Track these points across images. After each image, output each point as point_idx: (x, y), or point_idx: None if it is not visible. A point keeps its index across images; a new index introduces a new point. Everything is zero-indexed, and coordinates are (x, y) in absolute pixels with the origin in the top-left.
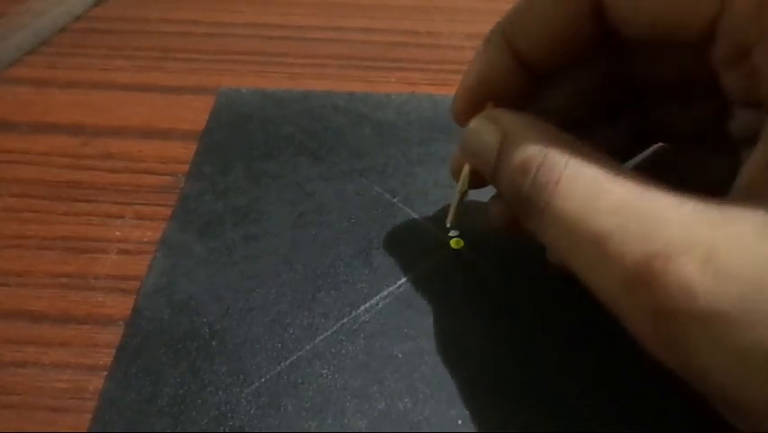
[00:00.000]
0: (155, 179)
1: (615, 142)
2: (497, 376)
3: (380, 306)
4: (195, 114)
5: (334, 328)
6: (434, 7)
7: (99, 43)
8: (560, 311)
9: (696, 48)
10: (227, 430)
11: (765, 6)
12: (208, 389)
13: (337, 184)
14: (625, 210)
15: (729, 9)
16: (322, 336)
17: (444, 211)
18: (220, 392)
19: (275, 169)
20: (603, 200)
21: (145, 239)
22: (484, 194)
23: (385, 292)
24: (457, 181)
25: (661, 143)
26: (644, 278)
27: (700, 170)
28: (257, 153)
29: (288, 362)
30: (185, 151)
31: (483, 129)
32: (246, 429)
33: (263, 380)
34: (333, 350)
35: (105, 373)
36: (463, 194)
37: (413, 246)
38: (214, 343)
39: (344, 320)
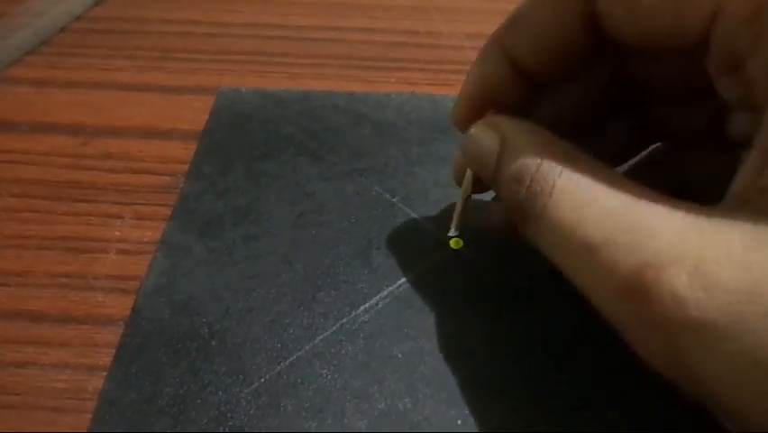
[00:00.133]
0: (155, 179)
1: (614, 144)
2: (497, 376)
3: (380, 306)
4: (195, 114)
5: (334, 328)
6: (434, 7)
7: (99, 43)
8: (560, 311)
9: (691, 54)
10: (227, 430)
11: (758, 16)
12: (208, 389)
13: (337, 184)
14: (617, 220)
15: (722, 18)
16: (321, 336)
17: (445, 212)
18: (220, 392)
19: (275, 169)
20: (596, 209)
21: (145, 239)
22: (485, 194)
23: (385, 292)
24: (460, 186)
25: (661, 143)
26: (637, 287)
27: (701, 169)
28: (257, 153)
29: (287, 362)
30: (185, 151)
31: (483, 135)
32: (246, 429)
33: (263, 380)
34: (332, 350)
35: (105, 373)
36: (467, 199)
37: (413, 246)
38: (214, 343)
39: (344, 320)
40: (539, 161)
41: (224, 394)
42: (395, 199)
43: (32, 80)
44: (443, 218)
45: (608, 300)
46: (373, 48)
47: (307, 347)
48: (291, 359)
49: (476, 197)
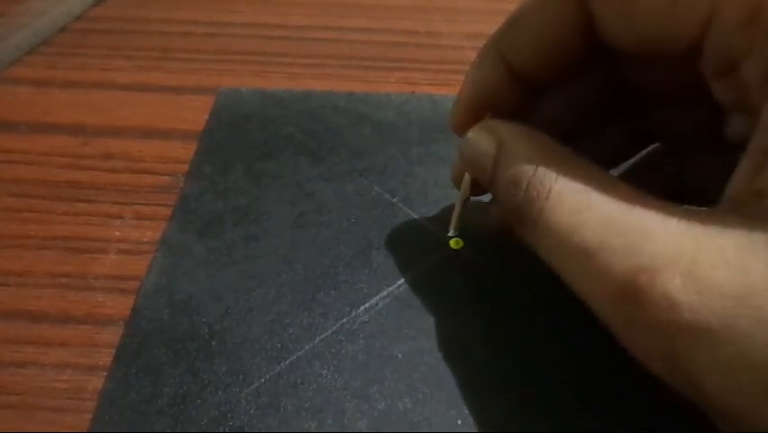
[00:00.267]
0: (155, 179)
1: (611, 147)
2: (496, 376)
3: (380, 306)
4: (195, 114)
5: (334, 328)
6: (434, 7)
7: (99, 43)
8: (559, 311)
9: (686, 58)
10: (227, 430)
11: (753, 20)
12: (208, 389)
13: (337, 184)
14: (612, 224)
15: (716, 23)
16: (321, 337)
17: (445, 212)
18: (220, 392)
19: (275, 169)
20: (591, 214)
21: (145, 239)
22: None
23: (385, 292)
24: (458, 189)
25: (659, 145)
26: (632, 291)
27: (700, 171)
28: (257, 153)
29: (287, 362)
30: (185, 151)
31: (480, 139)
32: (246, 429)
33: (263, 380)
34: (332, 350)
35: (105, 373)
36: (465, 201)
37: (413, 246)
38: (213, 343)
39: (344, 320)
40: (535, 165)
41: (223, 394)
42: (395, 199)
43: (32, 80)
44: (443, 218)
45: (603, 304)
46: (373, 48)
47: (307, 347)
48: (291, 359)
49: (475, 198)
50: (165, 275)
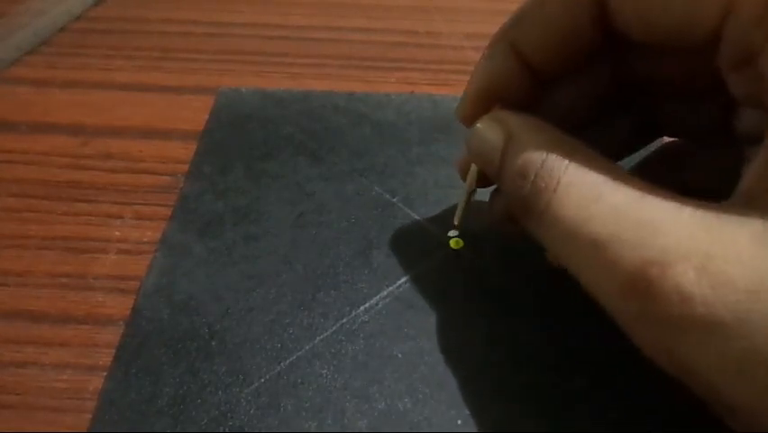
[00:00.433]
0: (155, 179)
1: (619, 139)
2: (496, 376)
3: (380, 306)
4: (194, 114)
5: (334, 328)
6: (434, 7)
7: (99, 43)
8: (559, 311)
9: (699, 50)
10: (227, 430)
11: None
12: (208, 389)
13: (337, 184)
14: (622, 216)
15: (734, 15)
16: (321, 336)
17: (445, 212)
18: (220, 392)
19: (275, 169)
20: (601, 206)
21: (145, 239)
22: (485, 194)
23: (385, 292)
24: (464, 181)
25: (664, 140)
26: (642, 284)
27: (707, 164)
28: (257, 153)
29: (287, 362)
30: (185, 151)
31: (488, 130)
32: (246, 429)
33: (263, 380)
34: (332, 350)
35: (105, 373)
36: (471, 193)
37: (413, 246)
38: (213, 343)
39: (344, 320)
40: (544, 156)
41: (223, 394)
42: (395, 199)
43: (32, 80)
44: (443, 218)
45: (612, 298)
46: (373, 48)
47: (307, 347)
48: (291, 359)
49: (475, 199)
50: (165, 275)
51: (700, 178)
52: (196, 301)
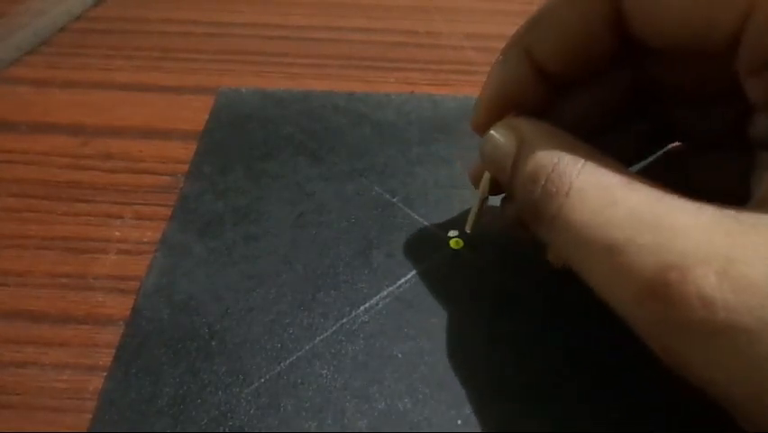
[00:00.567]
0: (155, 179)
1: (633, 144)
2: (497, 376)
3: (380, 306)
4: (194, 114)
5: (334, 328)
6: (434, 7)
7: (99, 43)
8: (560, 311)
9: (715, 55)
10: (227, 430)
11: None
12: (208, 389)
13: (337, 184)
14: (638, 220)
15: (754, 18)
16: (321, 337)
17: (445, 212)
18: (220, 392)
19: (275, 169)
20: (616, 210)
21: (145, 239)
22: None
23: (385, 292)
24: (477, 188)
25: (677, 143)
26: (661, 289)
27: (717, 170)
28: (257, 153)
29: (287, 362)
30: (185, 151)
31: (501, 137)
32: (246, 429)
33: (263, 380)
34: (332, 350)
35: (105, 374)
36: (483, 201)
37: (413, 246)
38: (213, 343)
39: (344, 320)
40: (556, 160)
41: (223, 394)
42: (395, 199)
43: (32, 80)
44: (443, 218)
45: (629, 303)
46: (373, 48)
47: (307, 347)
48: (291, 359)
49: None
50: (165, 275)
51: (707, 181)
52: (196, 301)
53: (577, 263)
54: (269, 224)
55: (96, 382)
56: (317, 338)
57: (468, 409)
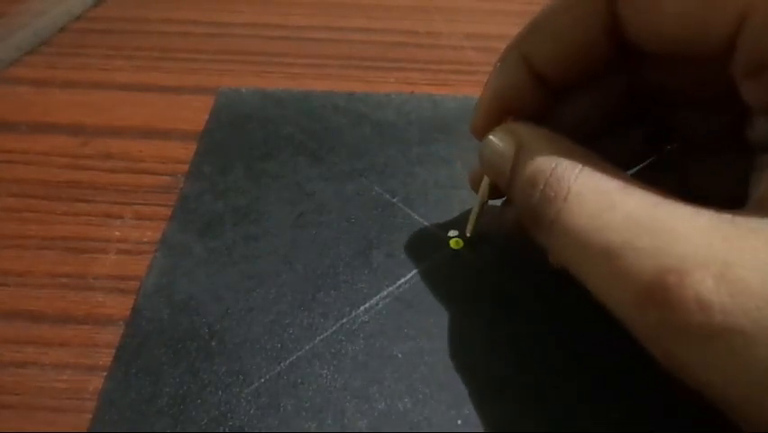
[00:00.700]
0: (155, 179)
1: (632, 147)
2: (497, 376)
3: (380, 306)
4: (194, 114)
5: (334, 328)
6: (434, 7)
7: (99, 43)
8: (560, 311)
9: (711, 59)
10: (227, 430)
11: None
12: (208, 389)
13: (337, 184)
14: (636, 224)
15: (750, 22)
16: (321, 337)
17: (445, 212)
18: (220, 392)
19: (275, 169)
20: (614, 214)
21: (145, 239)
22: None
23: (384, 292)
24: (476, 192)
25: (675, 147)
26: (659, 293)
27: (714, 173)
28: (257, 153)
29: (287, 362)
30: (184, 151)
31: (500, 141)
32: (246, 429)
33: (263, 380)
34: (332, 350)
35: (105, 374)
36: (483, 205)
37: (413, 246)
38: (213, 343)
39: (344, 320)
40: (554, 165)
41: (223, 394)
42: (395, 199)
43: (32, 80)
44: (443, 218)
45: (627, 307)
46: (373, 48)
47: (307, 347)
48: (291, 359)
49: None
50: (165, 275)
51: (705, 183)
52: (196, 301)
53: (575, 267)
54: (269, 224)
55: (96, 382)
56: (317, 338)
57: (468, 410)
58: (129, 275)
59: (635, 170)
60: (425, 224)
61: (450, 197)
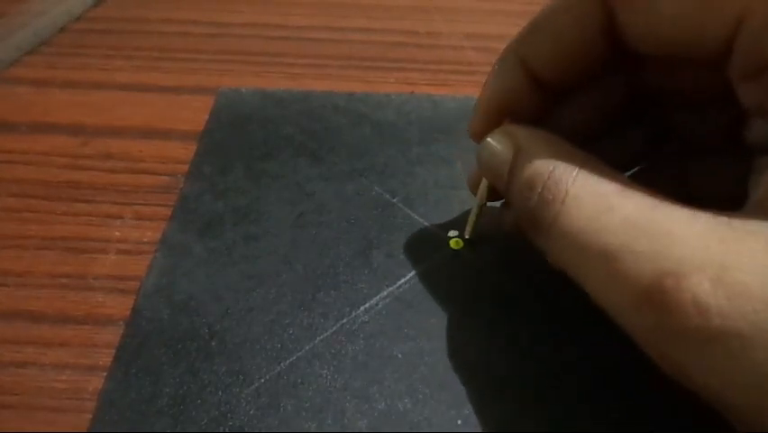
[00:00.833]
0: (155, 180)
1: (630, 149)
2: (496, 376)
3: (380, 306)
4: (194, 114)
5: (334, 329)
6: (434, 7)
7: (99, 43)
8: (560, 311)
9: (709, 61)
10: (227, 430)
11: None
12: (208, 389)
13: (337, 184)
14: (634, 227)
15: (748, 24)
16: (321, 337)
17: (445, 212)
18: (220, 392)
19: (275, 169)
20: (612, 217)
21: (145, 239)
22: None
23: (384, 293)
24: (475, 194)
25: (673, 148)
26: (656, 296)
27: (714, 173)
28: (257, 153)
29: (287, 362)
30: (184, 151)
31: (497, 144)
32: (246, 429)
33: (263, 380)
34: (332, 350)
35: (105, 374)
36: (481, 207)
37: (413, 246)
38: (213, 343)
39: (344, 320)
40: (551, 168)
41: (223, 394)
42: (395, 199)
43: (32, 80)
44: (444, 218)
45: (625, 310)
46: (373, 48)
47: (307, 347)
48: (291, 359)
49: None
50: (165, 275)
51: (704, 184)
52: (196, 301)
53: (573, 270)
54: (269, 224)
55: (96, 382)
56: (317, 338)
57: (468, 410)
58: (129, 275)
59: (633, 171)
60: (425, 224)
61: (450, 197)
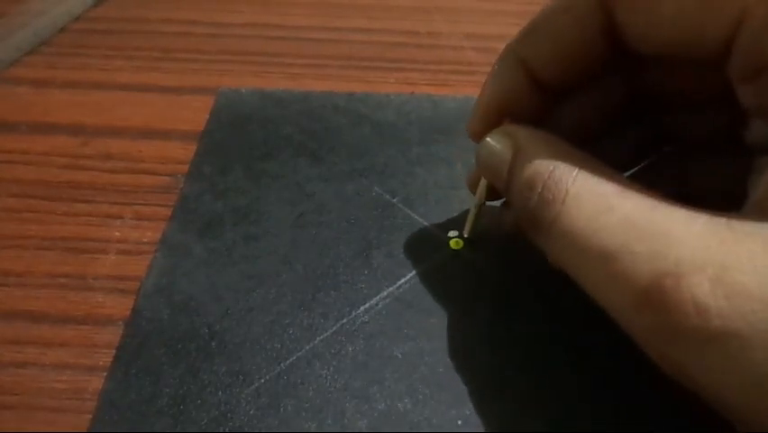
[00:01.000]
0: (155, 180)
1: (630, 149)
2: (496, 376)
3: (380, 306)
4: (194, 114)
5: (334, 329)
6: (434, 7)
7: (99, 43)
8: (560, 311)
9: (708, 62)
10: (227, 430)
11: None
12: (208, 389)
13: (337, 184)
14: (633, 227)
15: (747, 25)
16: (321, 337)
17: (444, 212)
18: (220, 393)
19: (275, 169)
20: (611, 217)
21: (145, 239)
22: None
23: (384, 293)
24: (474, 194)
25: (673, 148)
26: (656, 297)
27: (714, 173)
28: (257, 153)
29: (287, 362)
30: (184, 151)
31: (497, 144)
32: (246, 429)
33: (263, 380)
34: (332, 350)
35: (105, 374)
36: (480, 207)
37: (412, 247)
38: (213, 343)
39: (344, 321)
40: (551, 168)
41: (223, 394)
42: (395, 199)
43: (32, 80)
44: (443, 218)
45: (625, 310)
46: (373, 48)
47: (307, 347)
48: (291, 359)
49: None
50: (165, 275)
51: (703, 184)
52: (196, 301)
53: (573, 270)
54: (269, 224)
55: (96, 383)
56: (317, 338)
57: (468, 410)
58: (129, 275)
59: (633, 171)
60: (425, 224)
61: (450, 197)
